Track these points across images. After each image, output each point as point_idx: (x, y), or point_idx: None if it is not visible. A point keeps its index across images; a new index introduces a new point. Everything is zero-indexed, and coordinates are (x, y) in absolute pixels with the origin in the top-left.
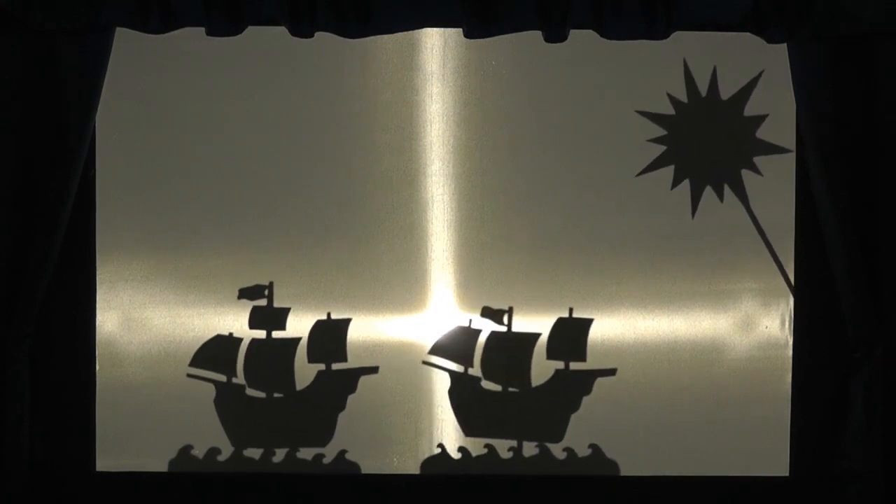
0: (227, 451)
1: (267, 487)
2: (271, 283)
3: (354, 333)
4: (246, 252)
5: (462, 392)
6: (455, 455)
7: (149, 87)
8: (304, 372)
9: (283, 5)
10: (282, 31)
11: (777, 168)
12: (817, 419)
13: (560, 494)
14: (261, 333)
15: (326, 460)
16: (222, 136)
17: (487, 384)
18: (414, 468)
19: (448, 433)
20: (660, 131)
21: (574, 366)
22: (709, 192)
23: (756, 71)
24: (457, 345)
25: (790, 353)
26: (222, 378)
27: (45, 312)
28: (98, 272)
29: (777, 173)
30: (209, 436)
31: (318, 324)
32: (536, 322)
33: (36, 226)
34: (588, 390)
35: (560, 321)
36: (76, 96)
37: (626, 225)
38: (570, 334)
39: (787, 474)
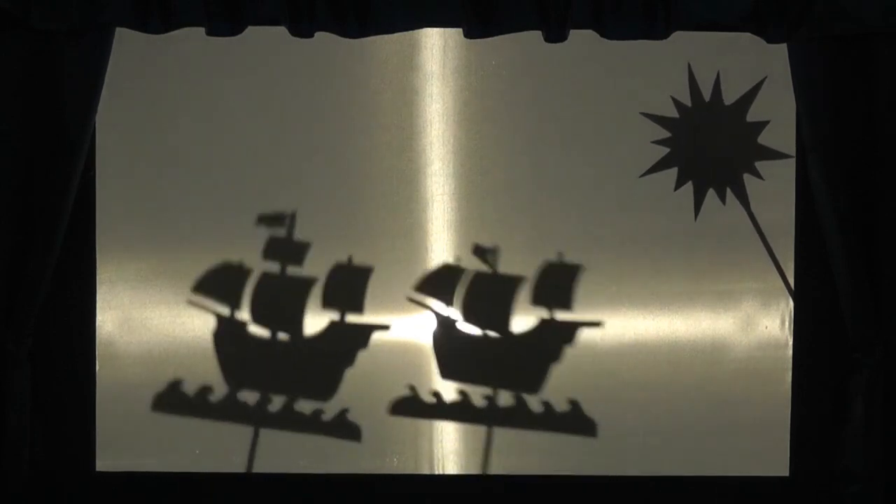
0: (220, 391)
1: (267, 487)
2: (294, 213)
3: (353, 333)
4: (245, 252)
5: (443, 333)
6: (428, 399)
7: (149, 87)
8: (313, 317)
9: (283, 5)
10: (282, 31)
11: (778, 172)
12: (817, 419)
13: (560, 494)
14: (274, 268)
15: (326, 417)
16: (222, 136)
17: (467, 327)
18: (414, 468)
19: (448, 433)
20: (662, 133)
21: (559, 316)
22: (711, 195)
23: (759, 76)
24: (441, 283)
25: (790, 353)
26: (225, 311)
27: (45, 312)
28: (98, 272)
29: (778, 177)
30: (210, 435)
31: (338, 268)
32: (536, 322)
33: (36, 226)
34: (571, 341)
35: (548, 266)
36: (76, 96)
37: (627, 225)
38: (558, 281)
39: (787, 474)
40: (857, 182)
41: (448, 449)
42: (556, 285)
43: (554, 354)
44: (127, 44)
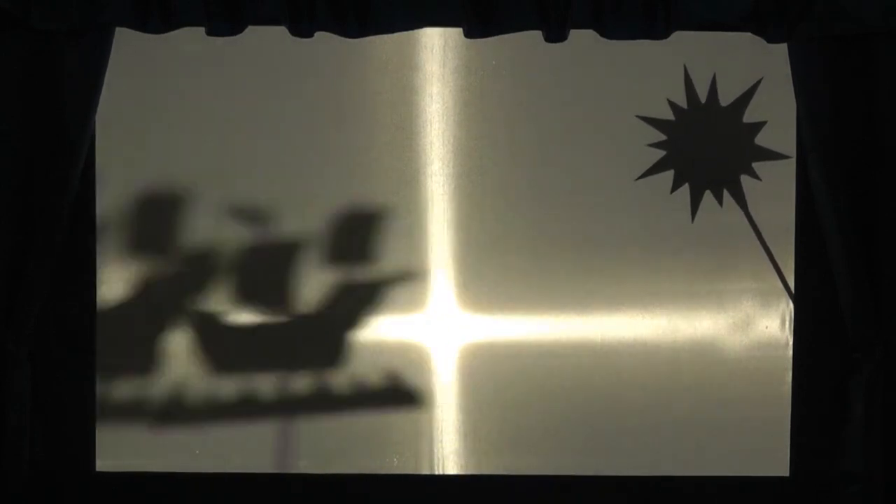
0: None
1: (267, 487)
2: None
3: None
4: (245, 252)
5: (206, 325)
6: (197, 405)
7: (149, 87)
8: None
9: (283, 5)
10: (282, 31)
11: (775, 173)
12: (817, 420)
13: (560, 494)
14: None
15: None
16: (222, 136)
17: (238, 313)
18: (414, 468)
19: (448, 433)
20: (659, 136)
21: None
22: (708, 197)
23: (755, 77)
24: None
25: (790, 353)
26: None
27: (45, 312)
28: (98, 272)
29: (775, 178)
30: (210, 436)
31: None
32: (536, 323)
33: (36, 226)
34: (375, 300)
35: (343, 216)
36: (76, 96)
37: (627, 226)
38: (353, 231)
39: (787, 474)
40: (857, 182)
41: (448, 449)
42: (354, 237)
43: (358, 321)
44: (127, 44)
